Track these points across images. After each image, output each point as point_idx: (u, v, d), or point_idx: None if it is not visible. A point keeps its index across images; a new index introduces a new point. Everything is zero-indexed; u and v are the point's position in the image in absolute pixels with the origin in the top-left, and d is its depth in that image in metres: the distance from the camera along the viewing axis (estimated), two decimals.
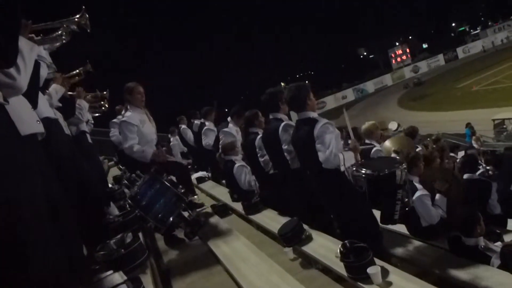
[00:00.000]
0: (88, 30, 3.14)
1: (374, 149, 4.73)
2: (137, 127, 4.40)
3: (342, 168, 3.36)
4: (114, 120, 7.38)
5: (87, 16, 3.10)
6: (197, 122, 8.89)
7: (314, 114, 3.61)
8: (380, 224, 3.52)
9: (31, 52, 2.11)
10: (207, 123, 8.11)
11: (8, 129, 1.93)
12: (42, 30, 2.94)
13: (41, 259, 1.78)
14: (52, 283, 1.84)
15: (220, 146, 6.22)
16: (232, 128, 6.64)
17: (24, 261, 1.71)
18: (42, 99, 3.17)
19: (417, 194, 4.05)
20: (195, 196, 5.46)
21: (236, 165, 5.55)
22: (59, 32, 3.05)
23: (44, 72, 3.04)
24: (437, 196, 4.19)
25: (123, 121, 4.45)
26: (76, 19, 3.08)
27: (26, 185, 1.84)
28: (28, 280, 1.73)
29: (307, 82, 4.11)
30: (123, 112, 4.68)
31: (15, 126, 1.99)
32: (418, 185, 4.15)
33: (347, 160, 3.37)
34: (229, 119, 6.93)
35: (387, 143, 5.13)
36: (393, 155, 4.34)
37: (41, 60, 2.92)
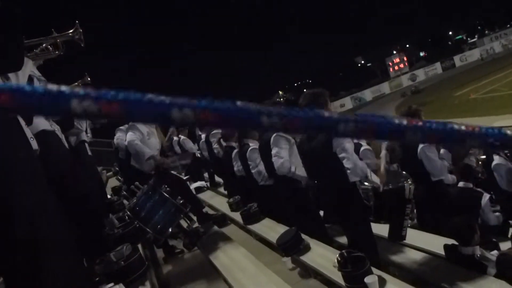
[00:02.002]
0: (82, 45, 3.17)
1: (362, 148, 4.56)
2: (143, 135, 4.57)
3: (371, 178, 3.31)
4: (121, 127, 7.46)
5: (81, 30, 3.12)
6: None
7: None
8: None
9: (25, 68, 2.09)
10: (203, 135, 8.21)
11: (23, 139, 1.93)
12: (35, 45, 2.97)
13: (56, 273, 1.77)
14: None
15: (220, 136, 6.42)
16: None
17: (40, 273, 1.71)
18: None
19: (420, 146, 3.90)
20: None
21: (250, 148, 5.08)
22: (51, 47, 3.07)
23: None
24: (442, 150, 4.16)
25: (133, 124, 4.64)
26: (69, 34, 3.11)
27: (41, 194, 1.84)
28: None
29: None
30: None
31: (28, 139, 2.00)
32: None
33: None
34: None
35: None
36: (383, 151, 4.24)
37: (33, 76, 2.94)
